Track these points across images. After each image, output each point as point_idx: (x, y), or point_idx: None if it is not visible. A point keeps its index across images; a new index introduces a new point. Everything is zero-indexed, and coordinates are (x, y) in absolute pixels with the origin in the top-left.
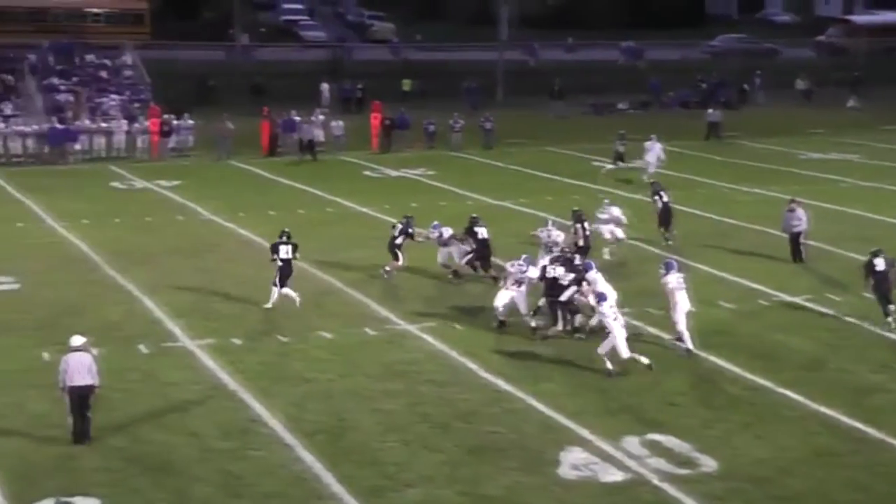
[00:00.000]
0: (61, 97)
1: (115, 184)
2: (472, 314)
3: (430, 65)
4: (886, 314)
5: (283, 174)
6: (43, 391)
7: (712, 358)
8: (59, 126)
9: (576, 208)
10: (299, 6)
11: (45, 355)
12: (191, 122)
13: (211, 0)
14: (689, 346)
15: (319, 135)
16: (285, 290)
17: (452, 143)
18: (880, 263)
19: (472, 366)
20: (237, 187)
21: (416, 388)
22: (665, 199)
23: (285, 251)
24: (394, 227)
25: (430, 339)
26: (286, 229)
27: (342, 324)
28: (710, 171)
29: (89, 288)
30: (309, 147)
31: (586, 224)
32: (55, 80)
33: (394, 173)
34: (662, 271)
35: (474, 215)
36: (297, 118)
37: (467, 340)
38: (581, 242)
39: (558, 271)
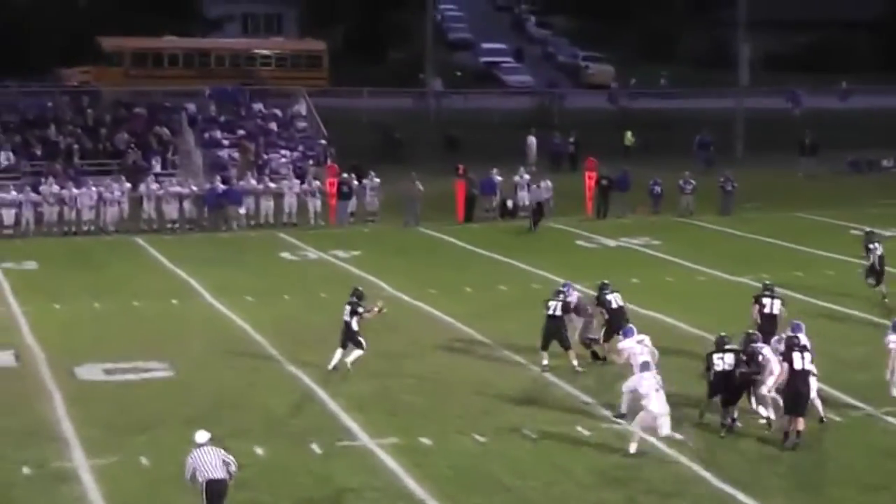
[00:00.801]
0: (224, 153)
1: (285, 254)
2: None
3: (656, 114)
4: None
5: (481, 244)
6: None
7: None
8: (220, 186)
9: None
10: (502, 46)
11: None
12: (377, 180)
13: (399, 39)
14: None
15: (524, 197)
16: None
17: (682, 208)
18: None
19: (704, 473)
20: (427, 259)
21: (636, 499)
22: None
23: (346, 312)
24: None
25: (652, 439)
26: (359, 287)
27: (550, 421)
28: None
29: (253, 376)
30: (536, 212)
31: None
32: (217, 133)
33: (612, 243)
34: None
35: (605, 282)
36: (498, 178)
37: (695, 442)
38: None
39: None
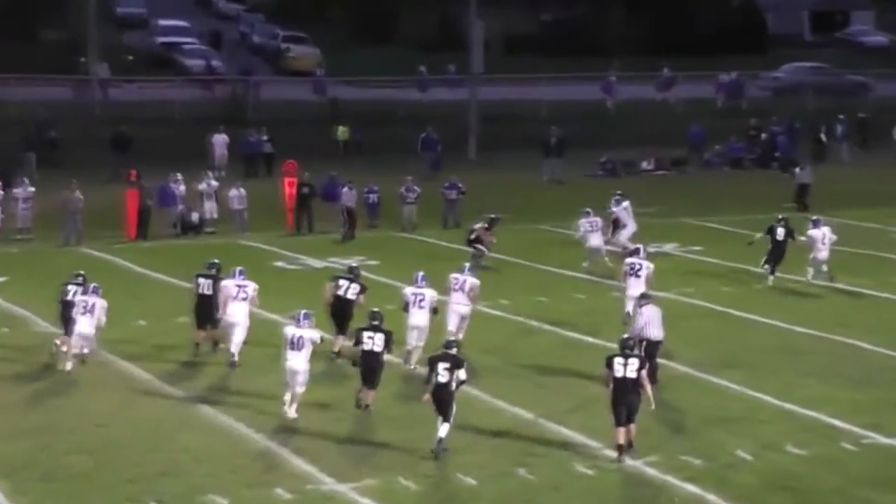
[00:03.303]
0: None
1: None
2: None
3: (373, 106)
4: None
5: (159, 266)
6: None
7: None
8: None
9: None
10: (184, 23)
11: None
12: (30, 189)
13: (53, 14)
14: None
15: (211, 209)
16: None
17: (403, 220)
18: None
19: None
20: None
21: None
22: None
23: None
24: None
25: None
26: None
27: (245, 483)
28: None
29: None
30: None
31: None
32: None
33: (318, 264)
34: None
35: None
36: (180, 186)
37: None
38: None
39: None
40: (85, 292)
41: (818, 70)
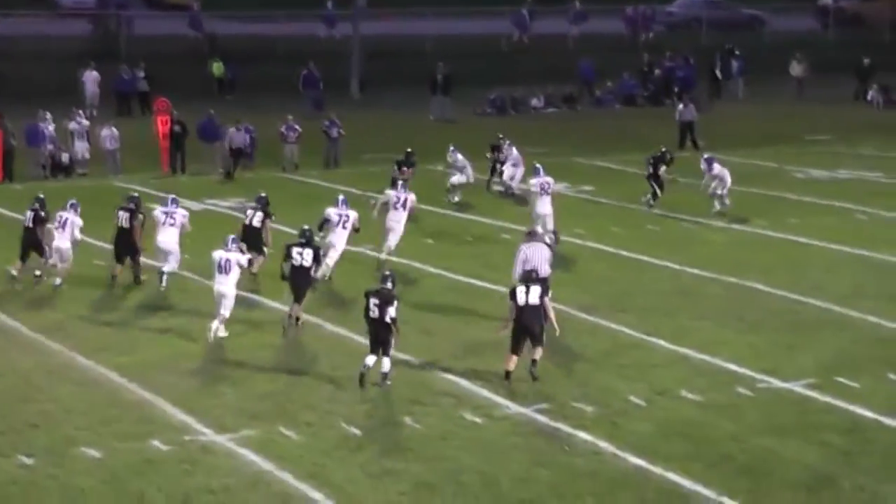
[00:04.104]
0: None
1: None
2: None
3: (251, 42)
4: None
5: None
6: None
7: (671, 475)
8: None
9: None
10: None
11: None
12: None
13: None
14: None
15: (82, 149)
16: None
17: (285, 160)
18: None
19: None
20: None
21: None
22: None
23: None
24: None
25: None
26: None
27: (120, 435)
28: (665, 198)
29: None
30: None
31: None
32: None
33: (195, 206)
34: None
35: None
36: (49, 125)
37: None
38: None
39: None
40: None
41: (713, 4)
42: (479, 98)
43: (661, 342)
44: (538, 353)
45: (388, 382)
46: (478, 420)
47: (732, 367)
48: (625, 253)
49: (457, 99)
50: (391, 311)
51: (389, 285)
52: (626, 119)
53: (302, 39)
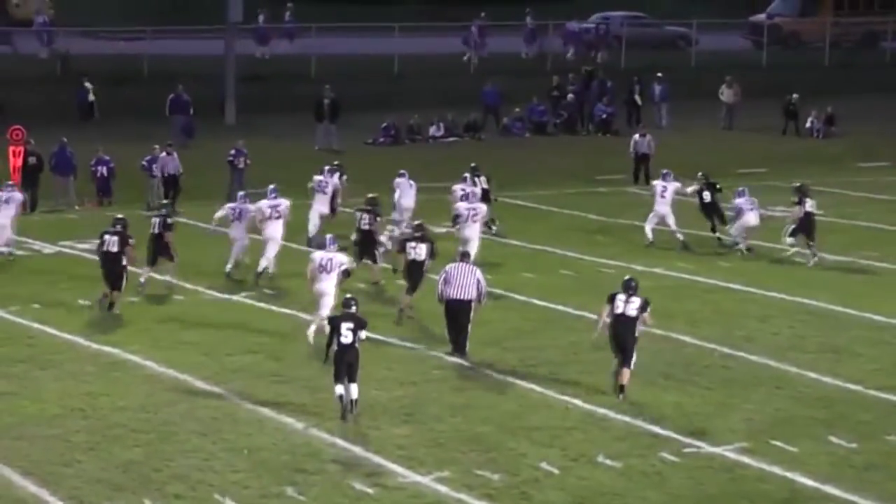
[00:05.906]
0: None
1: None
2: None
3: (113, 63)
4: None
5: None
6: None
7: None
8: None
9: None
10: None
11: None
12: None
13: None
14: None
15: None
16: None
17: (150, 195)
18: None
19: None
20: None
21: None
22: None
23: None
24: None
25: None
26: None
27: None
28: (570, 239)
29: None
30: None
31: None
32: None
33: (49, 249)
34: None
35: None
36: None
37: None
38: None
39: None
40: None
41: (633, 20)
42: (370, 125)
43: (577, 401)
44: (625, 376)
45: (356, 410)
46: (369, 490)
47: (656, 429)
48: (537, 301)
49: (346, 126)
50: (362, 335)
51: (354, 308)
52: (537, 149)
53: (170, 59)
